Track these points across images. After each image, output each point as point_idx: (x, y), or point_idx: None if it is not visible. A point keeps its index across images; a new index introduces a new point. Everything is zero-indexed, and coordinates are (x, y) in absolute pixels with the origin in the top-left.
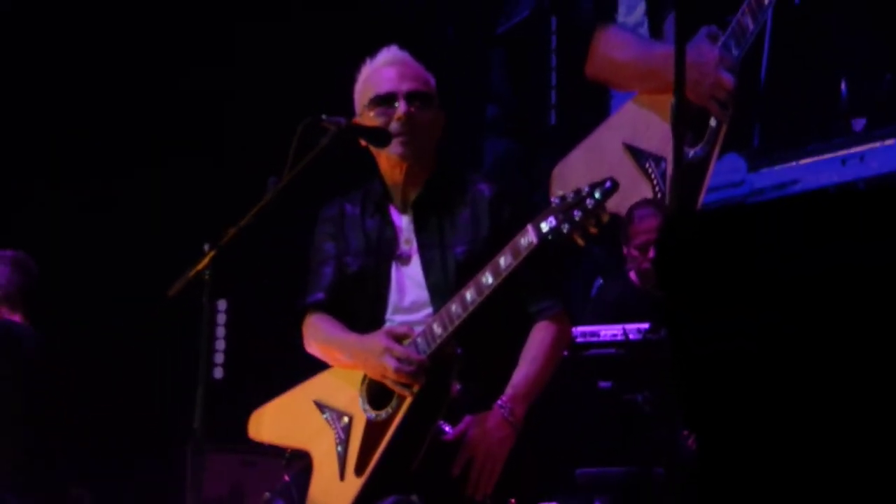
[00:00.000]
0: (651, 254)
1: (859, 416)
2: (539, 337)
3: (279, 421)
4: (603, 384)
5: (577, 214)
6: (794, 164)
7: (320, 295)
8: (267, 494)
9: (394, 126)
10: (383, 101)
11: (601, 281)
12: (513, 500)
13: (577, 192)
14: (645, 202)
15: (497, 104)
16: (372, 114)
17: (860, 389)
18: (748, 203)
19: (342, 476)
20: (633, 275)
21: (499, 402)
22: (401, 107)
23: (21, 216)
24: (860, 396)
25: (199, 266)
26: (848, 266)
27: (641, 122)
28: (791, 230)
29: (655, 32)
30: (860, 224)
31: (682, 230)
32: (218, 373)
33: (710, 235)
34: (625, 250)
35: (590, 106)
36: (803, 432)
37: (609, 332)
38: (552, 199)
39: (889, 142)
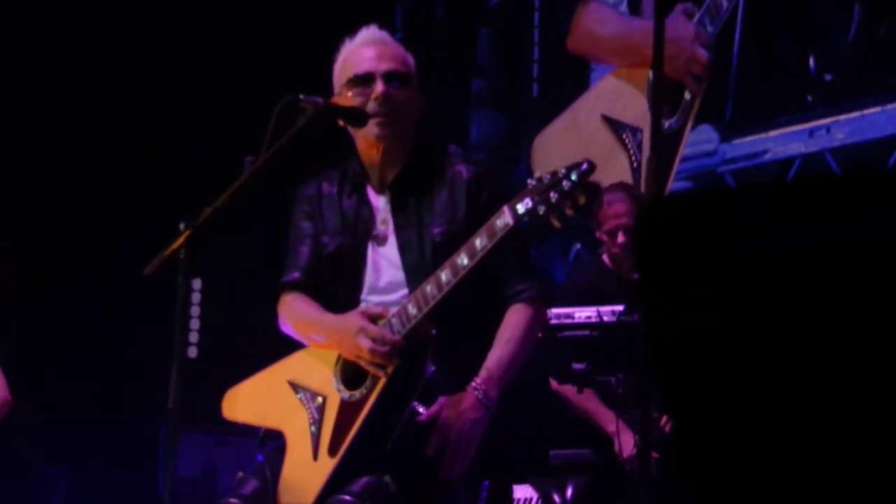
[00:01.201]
0: (620, 238)
1: (821, 393)
2: (514, 319)
3: (253, 401)
4: (577, 366)
5: (554, 196)
6: (763, 135)
7: (296, 275)
8: (240, 474)
9: (371, 106)
10: (361, 81)
11: (578, 245)
12: (486, 482)
13: (554, 173)
14: (614, 186)
15: (482, 78)
16: (350, 94)
17: (821, 366)
18: (725, 184)
19: (315, 456)
20: (605, 258)
21: (473, 383)
22: (378, 87)
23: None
24: (820, 373)
25: (175, 245)
26: (811, 245)
27: (619, 94)
28: (760, 210)
29: (634, 9)
30: (828, 205)
31: (658, 212)
32: (192, 352)
33: (685, 217)
34: (597, 234)
35: (570, 79)
36: (768, 410)
37: (583, 313)
38: (528, 181)
39: (854, 114)
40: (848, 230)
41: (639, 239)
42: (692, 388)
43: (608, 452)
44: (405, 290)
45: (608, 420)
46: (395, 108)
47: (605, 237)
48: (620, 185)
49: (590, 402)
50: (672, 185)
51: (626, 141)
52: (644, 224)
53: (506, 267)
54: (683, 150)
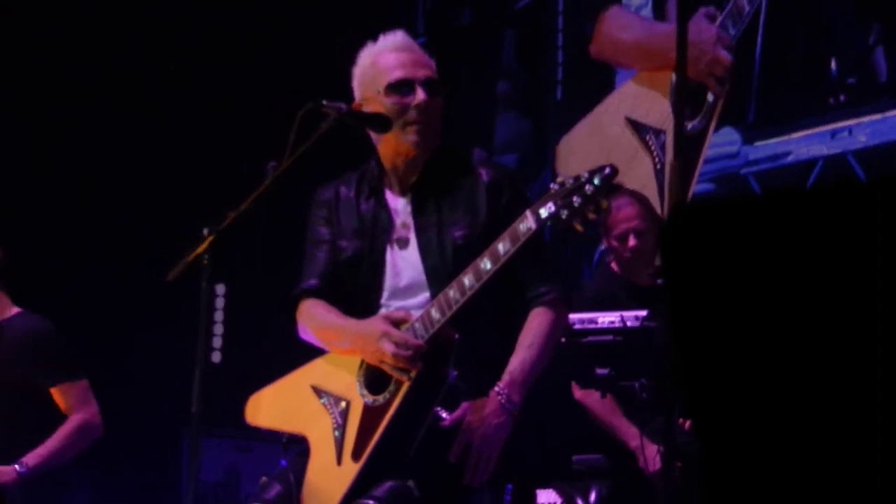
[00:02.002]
0: (632, 242)
1: (848, 402)
2: (536, 322)
3: (276, 406)
4: (600, 371)
5: (577, 200)
6: (786, 137)
7: (314, 281)
8: (264, 479)
9: (411, 114)
10: (399, 87)
11: (603, 247)
12: (510, 486)
13: (577, 178)
14: (620, 192)
15: (508, 81)
16: (388, 101)
17: (849, 375)
18: (748, 187)
19: (339, 461)
20: (614, 265)
21: (495, 388)
22: (419, 94)
23: (20, 200)
24: (848, 382)
25: (198, 250)
26: (835, 251)
27: (642, 97)
28: (784, 216)
29: (659, 13)
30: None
31: (684, 217)
32: (216, 357)
33: (711, 222)
34: (604, 242)
35: (594, 82)
36: (793, 418)
37: (606, 318)
38: (551, 185)
39: (875, 116)
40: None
41: (665, 244)
42: (716, 394)
43: (631, 459)
44: (426, 294)
45: (631, 435)
46: (432, 115)
47: (615, 243)
48: (626, 190)
49: (613, 416)
50: (695, 187)
51: (650, 143)
52: (670, 229)
53: (528, 270)
54: (706, 152)
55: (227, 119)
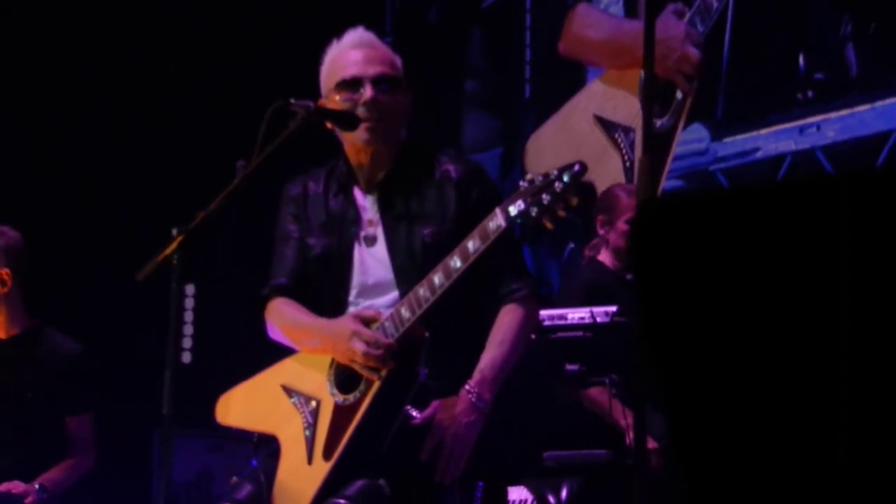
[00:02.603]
0: None
1: (820, 392)
2: (506, 320)
3: (247, 405)
4: (570, 367)
5: (546, 198)
6: (754, 133)
7: (282, 280)
8: (235, 479)
9: (360, 111)
10: (349, 85)
11: (572, 245)
12: (481, 483)
13: (546, 175)
14: (616, 185)
15: (475, 79)
16: (338, 97)
17: (821, 364)
18: (717, 183)
19: (310, 460)
20: (606, 259)
21: (466, 386)
22: (367, 92)
23: (20, 200)
24: (820, 371)
25: (168, 250)
26: (805, 244)
27: (611, 95)
28: (753, 210)
29: (630, 11)
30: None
31: (654, 213)
32: (186, 357)
33: (681, 217)
34: (602, 231)
35: (563, 80)
36: (764, 409)
37: (576, 314)
38: (520, 183)
39: (843, 112)
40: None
41: (634, 240)
42: (687, 387)
43: (602, 454)
44: (395, 292)
45: (622, 413)
46: (383, 112)
47: (624, 226)
48: (620, 184)
49: (602, 395)
50: (664, 183)
51: (619, 141)
52: (640, 225)
53: (498, 267)
54: (675, 150)
55: (196, 118)
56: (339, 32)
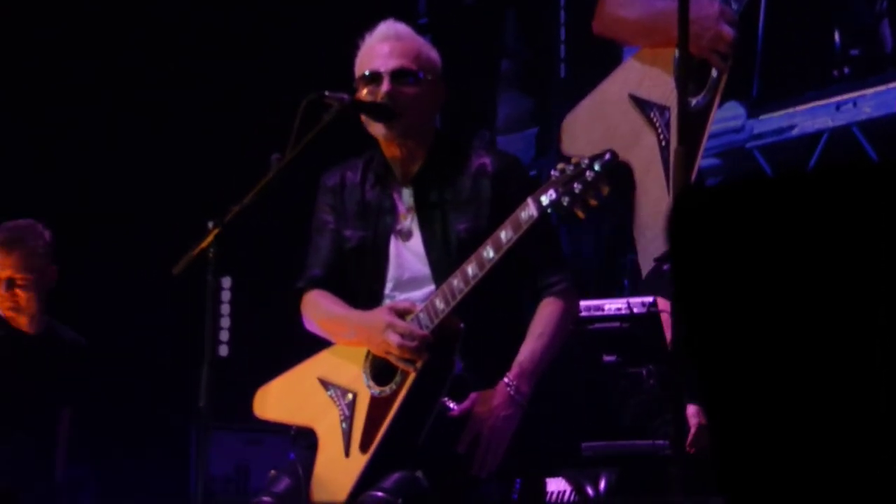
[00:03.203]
0: None
1: (862, 383)
2: (546, 312)
3: (284, 398)
4: (608, 358)
5: (577, 187)
6: (791, 110)
7: (318, 271)
8: (273, 472)
9: None
10: (370, 79)
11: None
12: (518, 480)
13: (577, 164)
14: None
15: (510, 60)
16: (362, 93)
17: (860, 354)
18: (754, 162)
19: (347, 453)
20: None
21: (505, 379)
22: (384, 86)
23: (20, 200)
24: (861, 362)
25: (204, 244)
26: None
27: (645, 74)
28: (798, 206)
29: None
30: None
31: (692, 201)
32: (223, 350)
33: (721, 207)
34: None
35: (599, 59)
36: (805, 399)
37: (613, 305)
38: (552, 172)
39: (879, 88)
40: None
41: (672, 228)
42: (726, 378)
43: (639, 444)
44: (431, 286)
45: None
46: (401, 105)
47: None
48: None
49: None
50: (700, 162)
51: (654, 119)
52: (677, 213)
53: (537, 259)
54: (711, 128)
55: (227, 119)
56: (374, 22)
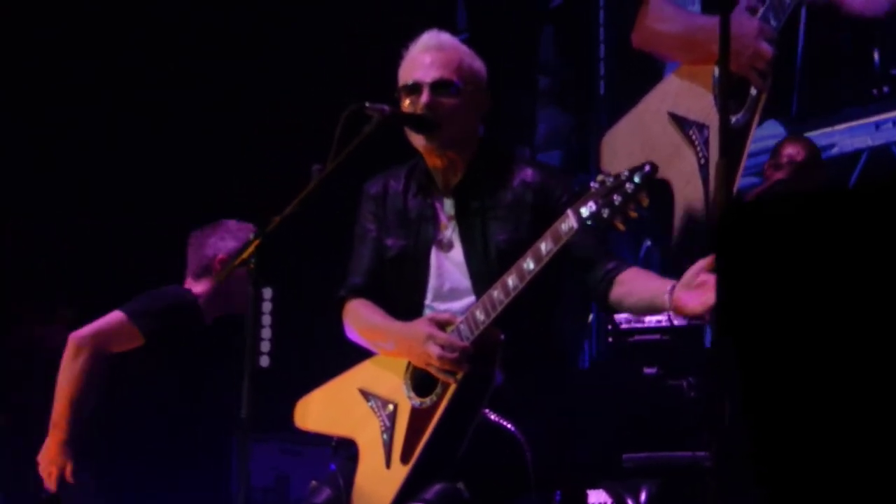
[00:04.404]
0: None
1: None
2: (634, 271)
3: (325, 409)
4: (648, 370)
5: (617, 199)
6: (830, 129)
7: (359, 280)
8: (314, 482)
9: None
10: (411, 90)
11: (649, 243)
12: (558, 491)
13: (617, 176)
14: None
15: (549, 76)
16: (405, 102)
17: None
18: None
19: (388, 464)
20: None
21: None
22: (423, 97)
23: (20, 200)
24: None
25: (245, 254)
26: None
27: (684, 92)
28: (841, 221)
29: (707, 9)
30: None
31: (739, 216)
32: (264, 361)
33: (767, 221)
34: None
35: (638, 76)
36: (856, 415)
37: (654, 318)
38: (591, 184)
39: None
40: None
41: (718, 242)
42: (773, 392)
43: (680, 456)
44: (471, 297)
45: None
46: (440, 116)
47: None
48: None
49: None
50: (740, 181)
51: (693, 138)
52: (723, 228)
53: (596, 254)
54: (750, 146)
55: (227, 119)
56: (414, 33)
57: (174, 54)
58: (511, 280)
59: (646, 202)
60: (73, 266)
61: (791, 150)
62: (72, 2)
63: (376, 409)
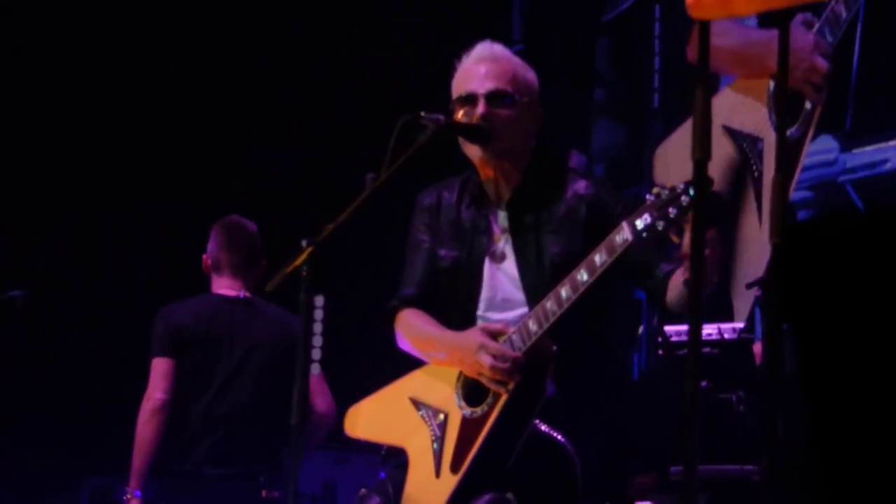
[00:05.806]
0: None
1: None
2: None
3: (375, 418)
4: None
5: (673, 211)
6: (884, 144)
7: (411, 290)
8: (363, 490)
9: None
10: (466, 100)
11: None
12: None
13: (672, 189)
14: None
15: (603, 88)
16: (460, 113)
17: None
18: (847, 196)
19: (438, 473)
20: None
21: None
22: (479, 108)
23: (20, 200)
24: None
25: (297, 262)
26: None
27: (739, 105)
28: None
29: (763, 25)
30: None
31: (795, 238)
32: (315, 369)
33: (824, 242)
34: None
35: (693, 89)
36: None
37: (704, 331)
38: (647, 196)
39: None
40: None
41: (776, 265)
42: (833, 401)
43: (728, 469)
44: (524, 308)
45: None
46: (496, 127)
47: None
48: None
49: None
50: (792, 194)
51: (747, 150)
52: (781, 250)
53: (655, 259)
54: (804, 160)
55: (227, 119)
56: (468, 43)
57: (174, 54)
58: (564, 291)
59: None
60: (72, 266)
61: None
62: (72, 2)
63: (427, 419)
